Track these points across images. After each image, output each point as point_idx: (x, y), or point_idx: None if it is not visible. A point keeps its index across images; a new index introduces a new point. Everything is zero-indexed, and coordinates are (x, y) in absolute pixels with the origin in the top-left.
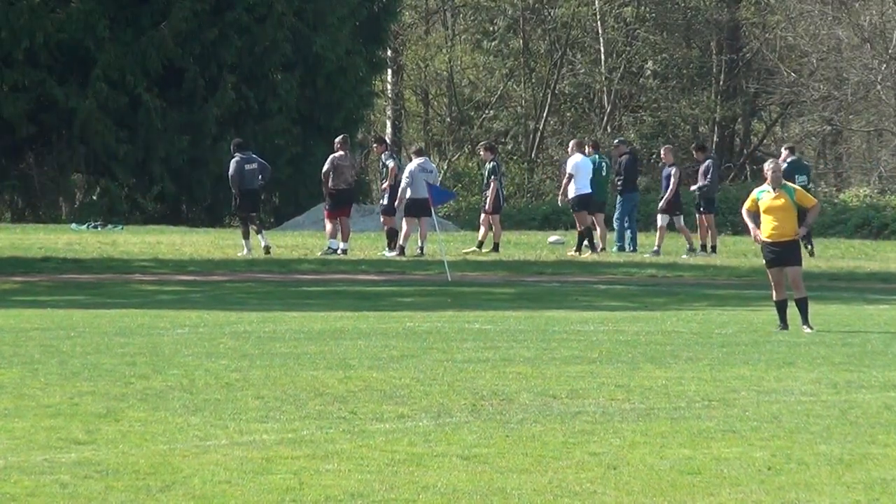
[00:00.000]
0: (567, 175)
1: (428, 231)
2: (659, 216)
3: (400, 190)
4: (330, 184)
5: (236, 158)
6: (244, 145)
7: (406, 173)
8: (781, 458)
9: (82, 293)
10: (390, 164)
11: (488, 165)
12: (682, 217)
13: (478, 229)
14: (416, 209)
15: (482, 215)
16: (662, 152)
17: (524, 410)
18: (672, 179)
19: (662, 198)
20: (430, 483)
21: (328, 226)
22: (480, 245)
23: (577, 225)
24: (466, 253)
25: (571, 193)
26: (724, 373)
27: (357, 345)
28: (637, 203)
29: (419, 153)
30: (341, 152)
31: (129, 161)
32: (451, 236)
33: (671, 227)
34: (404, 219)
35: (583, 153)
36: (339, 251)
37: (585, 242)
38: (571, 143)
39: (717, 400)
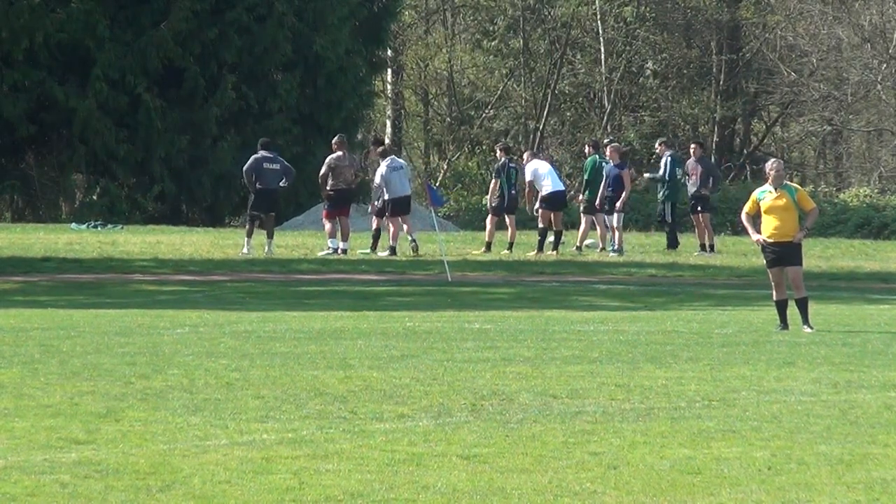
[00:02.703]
0: (528, 183)
1: (427, 231)
2: (615, 216)
3: (372, 191)
4: (329, 184)
5: (256, 155)
6: (270, 145)
7: (377, 177)
8: (781, 458)
9: (82, 293)
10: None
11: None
12: (622, 216)
13: (507, 230)
14: (398, 208)
15: (506, 217)
16: (608, 152)
17: (524, 410)
18: (626, 180)
19: (608, 197)
20: (430, 483)
21: (327, 225)
22: (511, 246)
23: (541, 222)
24: (505, 255)
25: (543, 193)
26: (724, 373)
27: (357, 345)
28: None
29: (384, 154)
30: (339, 152)
31: (129, 161)
32: (451, 236)
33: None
34: (389, 219)
35: (539, 159)
36: (339, 251)
37: (549, 241)
38: (525, 155)
39: (717, 400)
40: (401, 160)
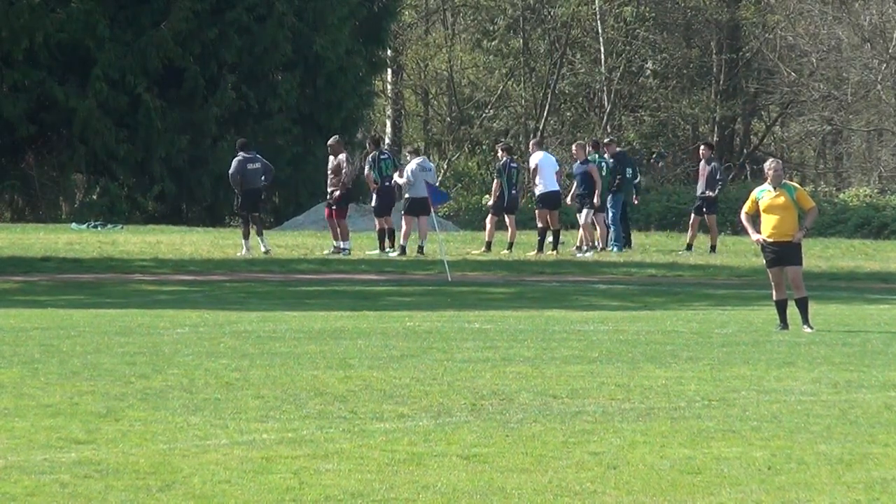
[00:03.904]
0: (531, 170)
1: (428, 231)
2: (600, 215)
3: (403, 189)
4: (335, 183)
5: (238, 157)
6: (248, 145)
7: (407, 173)
8: (781, 458)
9: (82, 293)
10: (366, 168)
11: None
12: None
13: (507, 230)
14: (416, 208)
15: (506, 216)
16: (574, 149)
17: (524, 410)
18: (594, 175)
19: (579, 195)
20: (430, 483)
21: (342, 226)
22: (511, 246)
23: (539, 222)
24: (504, 255)
25: (538, 192)
26: (724, 373)
27: (357, 344)
28: (622, 202)
29: (416, 152)
30: (344, 153)
31: (129, 161)
32: (451, 236)
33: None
34: (403, 217)
35: (543, 150)
36: (342, 251)
37: (548, 240)
38: (531, 143)
39: (717, 400)
40: (431, 163)
